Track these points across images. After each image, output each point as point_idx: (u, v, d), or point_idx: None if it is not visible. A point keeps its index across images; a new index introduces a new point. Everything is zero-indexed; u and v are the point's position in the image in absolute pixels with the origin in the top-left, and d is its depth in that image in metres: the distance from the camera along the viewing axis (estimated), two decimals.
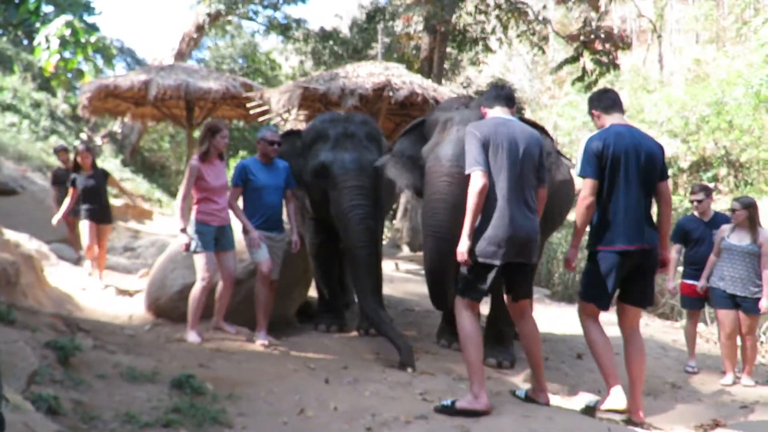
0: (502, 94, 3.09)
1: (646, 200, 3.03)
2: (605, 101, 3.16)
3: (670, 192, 3.18)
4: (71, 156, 6.65)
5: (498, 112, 3.02)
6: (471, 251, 2.78)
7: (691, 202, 4.71)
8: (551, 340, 4.88)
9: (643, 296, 3.09)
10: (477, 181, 2.77)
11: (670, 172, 19.39)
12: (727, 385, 4.15)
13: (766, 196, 14.07)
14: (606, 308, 3.06)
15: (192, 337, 3.85)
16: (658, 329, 6.09)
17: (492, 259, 2.78)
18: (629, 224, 2.96)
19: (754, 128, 14.66)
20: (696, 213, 4.66)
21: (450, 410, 2.68)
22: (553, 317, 6.03)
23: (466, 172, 2.84)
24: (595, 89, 5.83)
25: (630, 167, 2.96)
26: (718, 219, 4.58)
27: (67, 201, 5.80)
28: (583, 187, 3.01)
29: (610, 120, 3.10)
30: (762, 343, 5.39)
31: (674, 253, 4.56)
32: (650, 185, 3.03)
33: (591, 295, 3.07)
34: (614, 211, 2.97)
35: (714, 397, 3.92)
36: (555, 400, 3.10)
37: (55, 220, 5.99)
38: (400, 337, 3.83)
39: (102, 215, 5.83)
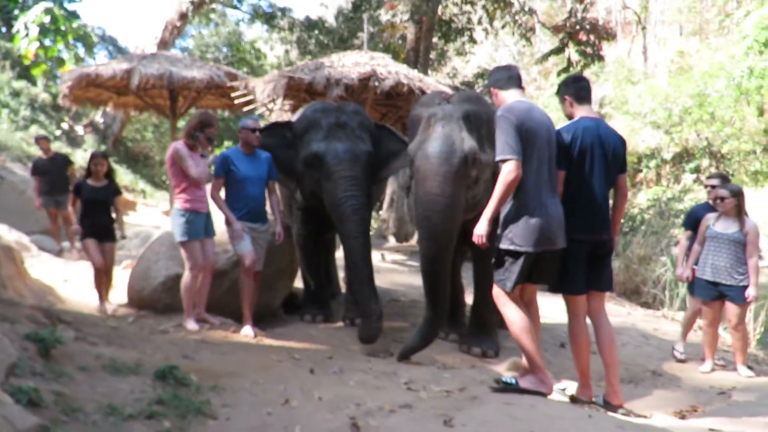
0: (515, 75, 3.09)
1: (607, 192, 3.11)
2: (580, 91, 3.15)
3: (627, 185, 3.28)
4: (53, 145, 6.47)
5: (516, 95, 3.02)
6: (491, 236, 2.84)
7: (706, 187, 4.66)
8: None
9: (607, 281, 3.18)
10: (512, 171, 2.77)
11: (653, 163, 19.68)
12: (706, 372, 4.22)
13: (747, 187, 14.28)
14: (583, 292, 3.10)
15: (191, 324, 3.92)
16: (639, 318, 6.18)
17: (530, 247, 2.82)
18: (594, 215, 3.03)
19: (736, 120, 14.86)
20: (711, 201, 4.53)
21: (513, 388, 2.80)
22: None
23: (499, 158, 2.81)
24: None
25: (596, 160, 3.01)
26: None
27: (71, 209, 4.86)
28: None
29: (581, 111, 3.11)
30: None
31: (685, 240, 4.56)
32: (612, 178, 3.10)
33: (569, 288, 3.10)
34: (581, 203, 3.02)
35: (693, 383, 3.99)
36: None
37: (73, 232, 5.14)
38: (376, 322, 3.87)
39: (108, 232, 4.83)
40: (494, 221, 2.95)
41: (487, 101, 3.74)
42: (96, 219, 4.70)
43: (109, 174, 4.82)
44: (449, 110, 3.52)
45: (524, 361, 3.14)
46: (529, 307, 3.08)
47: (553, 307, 4.84)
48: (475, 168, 3.46)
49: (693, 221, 4.57)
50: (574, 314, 3.09)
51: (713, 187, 4.47)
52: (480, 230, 2.89)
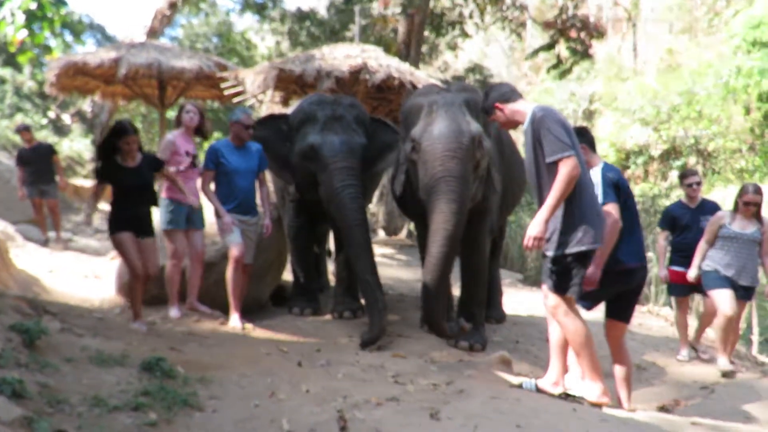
0: (515, 88, 3.06)
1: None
2: (592, 140, 3.21)
3: None
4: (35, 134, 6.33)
5: (526, 103, 2.94)
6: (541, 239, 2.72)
7: (689, 186, 4.55)
8: (521, 323, 4.97)
9: (631, 312, 3.29)
10: (575, 167, 2.66)
11: (641, 160, 19.71)
12: (729, 372, 4.08)
13: (732, 185, 14.45)
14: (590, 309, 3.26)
15: (172, 312, 3.97)
16: None
17: (592, 245, 2.75)
18: (641, 243, 3.19)
19: (723, 118, 15.00)
20: (684, 199, 4.61)
21: (578, 400, 2.82)
22: (524, 300, 6.14)
23: (556, 157, 2.67)
24: (569, 77, 5.90)
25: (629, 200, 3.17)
26: (706, 205, 4.54)
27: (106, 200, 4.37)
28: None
29: (596, 158, 3.17)
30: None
31: (662, 240, 4.57)
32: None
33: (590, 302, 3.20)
34: (632, 232, 3.10)
35: (676, 378, 4.05)
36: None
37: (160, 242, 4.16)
38: (380, 322, 3.80)
39: (147, 225, 3.77)
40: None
41: (480, 94, 3.76)
42: (139, 209, 3.71)
43: (141, 148, 3.79)
44: (450, 97, 3.61)
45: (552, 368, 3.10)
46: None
47: (538, 302, 4.87)
48: (479, 151, 3.52)
49: (669, 220, 4.59)
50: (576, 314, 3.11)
51: (698, 184, 4.51)
52: (535, 232, 2.67)
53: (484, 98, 3.07)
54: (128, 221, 3.64)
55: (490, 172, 3.81)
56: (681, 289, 4.59)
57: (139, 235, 3.67)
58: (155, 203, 3.83)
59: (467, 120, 3.51)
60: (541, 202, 2.79)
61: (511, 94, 2.99)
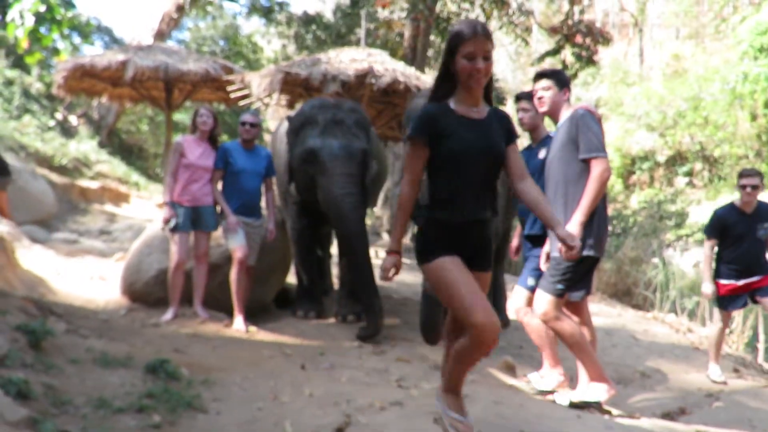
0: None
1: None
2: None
3: None
4: None
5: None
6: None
7: (743, 188, 3.86)
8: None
9: None
10: (606, 169, 2.71)
11: (646, 165, 19.77)
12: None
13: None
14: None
15: (166, 315, 3.99)
16: (630, 319, 6.22)
17: (602, 252, 2.81)
18: None
19: (729, 124, 14.94)
20: (738, 203, 3.95)
21: (598, 408, 2.82)
22: None
23: (592, 155, 2.72)
24: (574, 82, 5.89)
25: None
26: (762, 210, 3.92)
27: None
28: None
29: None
30: (730, 333, 5.54)
31: (708, 249, 4.02)
32: None
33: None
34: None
35: (681, 385, 4.02)
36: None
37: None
38: (376, 321, 3.91)
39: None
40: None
41: None
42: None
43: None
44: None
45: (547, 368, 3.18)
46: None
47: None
48: None
49: (719, 228, 3.97)
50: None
51: (754, 187, 3.83)
52: (576, 241, 2.35)
53: (556, 73, 3.04)
54: None
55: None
56: (735, 302, 4.03)
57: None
58: None
59: None
60: (560, 200, 2.82)
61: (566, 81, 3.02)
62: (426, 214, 2.08)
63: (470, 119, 2.05)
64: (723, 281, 4.02)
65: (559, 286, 2.80)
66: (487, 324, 1.91)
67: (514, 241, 3.70)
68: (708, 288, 4.03)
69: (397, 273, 2.17)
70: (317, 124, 4.21)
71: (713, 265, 4.09)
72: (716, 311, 4.18)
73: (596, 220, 2.77)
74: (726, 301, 4.05)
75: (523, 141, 3.39)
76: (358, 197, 4.07)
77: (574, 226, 2.69)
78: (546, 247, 3.00)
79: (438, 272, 2.03)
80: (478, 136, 2.03)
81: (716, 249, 4.06)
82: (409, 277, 6.87)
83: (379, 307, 3.97)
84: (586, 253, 2.75)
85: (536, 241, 3.20)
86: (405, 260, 8.13)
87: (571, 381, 3.31)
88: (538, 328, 3.13)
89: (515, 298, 3.29)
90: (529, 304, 3.16)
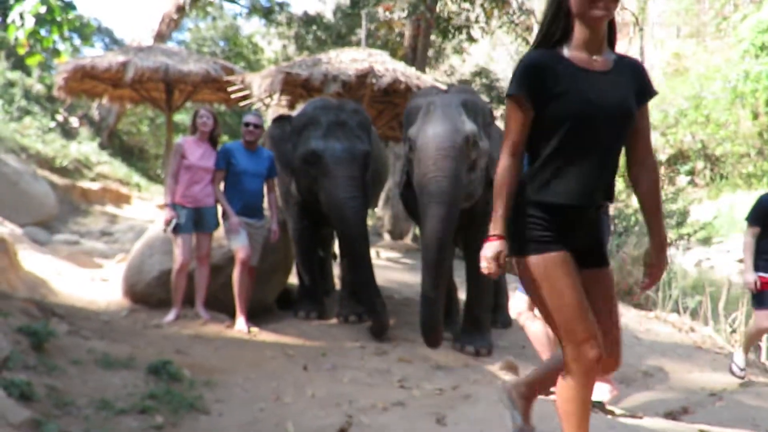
0: None
1: None
2: None
3: None
4: None
5: None
6: None
7: None
8: None
9: None
10: None
11: None
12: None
13: (740, 190, 14.37)
14: None
15: (168, 316, 4.00)
16: (632, 319, 6.21)
17: None
18: None
19: (730, 123, 14.93)
20: None
21: (601, 408, 2.78)
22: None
23: None
24: None
25: None
26: None
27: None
28: None
29: None
30: (733, 332, 5.53)
31: (750, 237, 3.81)
32: None
33: None
34: None
35: (684, 385, 4.01)
36: None
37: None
38: (380, 318, 3.99)
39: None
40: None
41: (479, 95, 3.89)
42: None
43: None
44: (448, 98, 3.67)
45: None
46: None
47: None
48: (474, 151, 3.55)
49: (764, 215, 3.78)
50: None
51: None
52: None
53: None
54: None
55: (490, 172, 3.81)
56: None
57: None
58: None
59: (462, 120, 3.55)
60: None
61: None
62: (530, 195, 1.62)
63: (591, 70, 1.57)
64: (763, 274, 3.78)
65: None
66: (590, 355, 1.54)
67: None
68: (751, 277, 3.78)
69: (504, 259, 1.68)
70: (320, 126, 4.21)
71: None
72: (721, 311, 4.12)
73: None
74: (763, 298, 3.80)
75: None
76: (360, 200, 4.08)
77: None
78: None
79: (543, 270, 1.59)
80: (601, 92, 1.56)
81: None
82: (410, 277, 6.87)
83: (381, 305, 4.02)
84: None
85: None
86: (406, 260, 8.14)
87: None
88: (538, 332, 3.13)
89: (515, 302, 3.29)
90: (529, 308, 3.16)
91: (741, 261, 3.88)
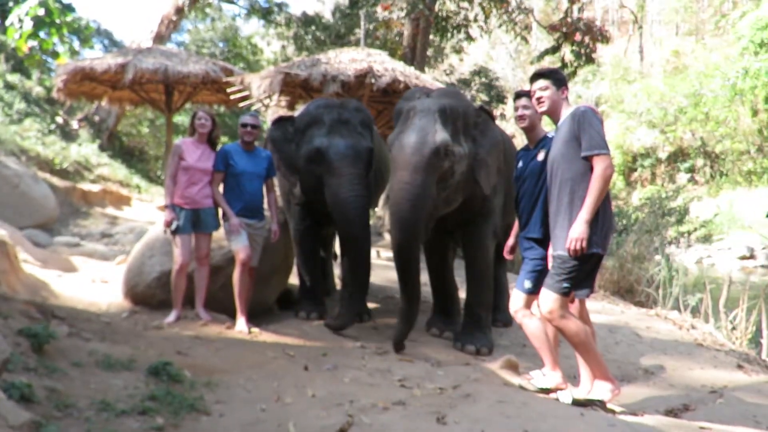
0: None
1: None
2: None
3: None
4: None
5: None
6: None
7: None
8: None
9: None
10: (609, 166, 2.73)
11: (648, 162, 19.78)
12: None
13: (740, 187, 14.37)
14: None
15: (169, 317, 4.00)
16: (633, 317, 6.21)
17: (606, 249, 2.81)
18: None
19: (730, 120, 14.92)
20: None
21: (602, 406, 2.80)
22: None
23: (594, 152, 2.73)
24: (575, 80, 5.87)
25: None
26: None
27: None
28: None
29: None
30: (734, 329, 5.53)
31: None
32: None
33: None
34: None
35: (685, 382, 4.01)
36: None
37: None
38: (351, 315, 4.09)
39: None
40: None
41: (465, 97, 3.92)
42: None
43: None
44: (427, 104, 3.67)
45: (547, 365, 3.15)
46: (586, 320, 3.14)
47: None
48: (448, 159, 3.56)
49: None
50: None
51: None
52: (579, 233, 2.69)
53: (552, 72, 3.06)
54: None
55: (476, 173, 3.80)
56: None
57: None
58: None
59: (436, 129, 3.54)
60: (565, 198, 2.82)
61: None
62: None
63: None
64: None
65: (565, 285, 2.79)
66: None
67: (510, 240, 3.69)
68: None
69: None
70: (323, 124, 4.21)
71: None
72: (722, 308, 4.13)
73: (601, 217, 2.79)
74: None
75: (521, 141, 3.37)
76: (364, 199, 4.08)
77: (580, 224, 2.71)
78: (549, 250, 2.99)
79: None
80: None
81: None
82: None
83: (358, 305, 4.15)
84: (594, 250, 2.76)
85: (535, 243, 3.19)
86: None
87: (574, 379, 3.31)
88: (535, 330, 3.13)
89: (513, 301, 3.28)
90: (527, 306, 3.16)
91: (742, 258, 3.88)
